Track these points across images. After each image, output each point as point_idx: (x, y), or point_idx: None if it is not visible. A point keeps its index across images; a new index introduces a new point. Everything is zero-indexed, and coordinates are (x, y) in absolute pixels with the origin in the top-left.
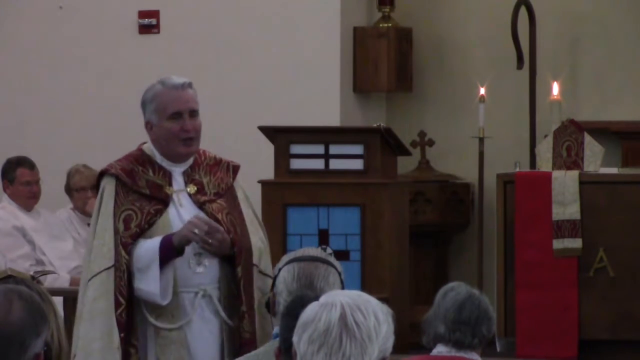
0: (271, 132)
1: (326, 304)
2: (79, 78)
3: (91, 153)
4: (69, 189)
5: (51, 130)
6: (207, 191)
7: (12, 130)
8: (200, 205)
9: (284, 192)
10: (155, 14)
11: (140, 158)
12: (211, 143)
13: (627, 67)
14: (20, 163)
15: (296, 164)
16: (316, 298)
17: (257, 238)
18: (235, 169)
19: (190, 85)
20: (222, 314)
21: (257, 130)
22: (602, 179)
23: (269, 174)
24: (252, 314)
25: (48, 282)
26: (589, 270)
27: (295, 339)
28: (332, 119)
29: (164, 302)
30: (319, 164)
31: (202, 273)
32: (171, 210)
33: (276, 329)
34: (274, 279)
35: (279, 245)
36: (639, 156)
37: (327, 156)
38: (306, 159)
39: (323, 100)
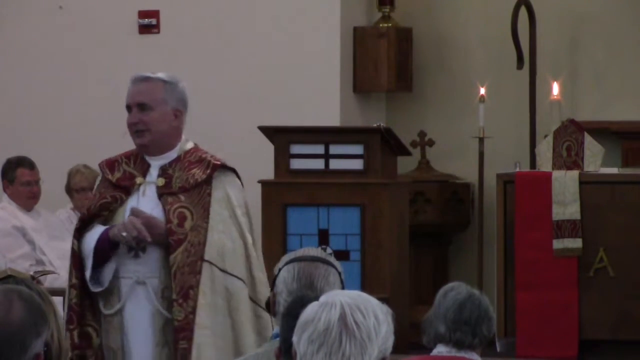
0: (271, 132)
1: (326, 304)
2: (79, 78)
3: (91, 153)
4: (69, 189)
5: (51, 130)
6: (172, 185)
7: (12, 130)
8: (159, 197)
9: (284, 192)
10: (155, 14)
11: (135, 151)
12: (211, 143)
13: (627, 67)
14: (20, 163)
15: (296, 164)
16: (316, 298)
17: (225, 237)
18: (215, 166)
19: (147, 79)
20: (156, 302)
21: (257, 130)
22: (602, 179)
23: (269, 174)
24: (186, 303)
25: (48, 282)
26: (589, 270)
27: (295, 338)
28: (332, 119)
29: (94, 289)
30: (319, 164)
31: (140, 261)
32: (132, 200)
33: (276, 329)
34: (274, 279)
35: (279, 245)
36: (639, 156)
37: (327, 156)
38: (306, 159)
39: (323, 100)
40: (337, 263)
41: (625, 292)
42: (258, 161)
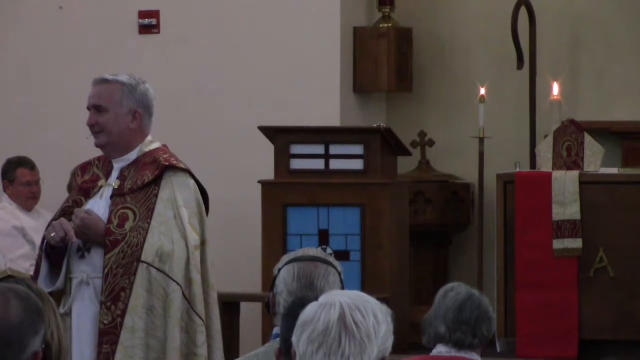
0: (271, 132)
1: (325, 304)
2: (79, 78)
3: (91, 153)
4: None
5: (51, 130)
6: (124, 186)
7: (12, 130)
8: (110, 197)
9: (284, 192)
10: (155, 14)
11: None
12: (211, 143)
13: (627, 68)
14: (20, 163)
15: (296, 164)
16: (317, 299)
17: (165, 238)
18: (163, 167)
19: (105, 81)
20: (97, 303)
21: (257, 130)
22: (602, 179)
23: (269, 174)
24: (114, 306)
25: None
26: (589, 270)
27: (294, 338)
28: (332, 119)
29: (46, 289)
30: (319, 164)
31: (85, 261)
32: (90, 202)
33: (276, 329)
34: (274, 279)
35: (279, 245)
36: (639, 156)
37: (327, 156)
38: (306, 159)
39: (323, 100)
40: (337, 263)
41: (625, 292)
42: (258, 161)
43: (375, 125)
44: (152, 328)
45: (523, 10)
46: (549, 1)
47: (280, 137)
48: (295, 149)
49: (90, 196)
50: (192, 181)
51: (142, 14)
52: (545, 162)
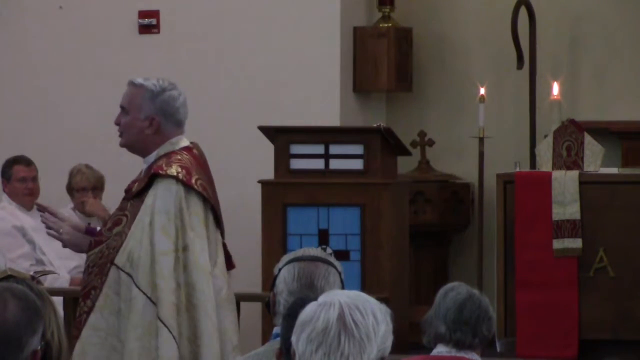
0: (271, 132)
1: (324, 304)
2: (79, 78)
3: (91, 153)
4: (70, 189)
5: (51, 130)
6: (132, 191)
7: (12, 130)
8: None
9: (284, 192)
10: (155, 14)
11: None
12: (211, 143)
13: (627, 67)
14: (16, 160)
15: (296, 164)
16: (317, 299)
17: (136, 244)
18: (152, 175)
19: (133, 84)
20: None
21: (257, 130)
22: (602, 179)
23: (269, 174)
24: (84, 303)
25: (48, 282)
26: (589, 270)
27: (293, 338)
28: (332, 119)
29: None
30: (319, 164)
31: None
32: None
33: (276, 329)
34: (274, 278)
35: (279, 245)
36: (639, 156)
37: (327, 156)
38: (306, 159)
39: (323, 100)
40: (337, 263)
41: (625, 292)
42: (258, 161)
43: (375, 125)
44: (117, 330)
45: (523, 10)
46: (549, 1)
47: (280, 137)
48: (295, 149)
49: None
50: (175, 187)
51: (142, 14)
52: (545, 162)
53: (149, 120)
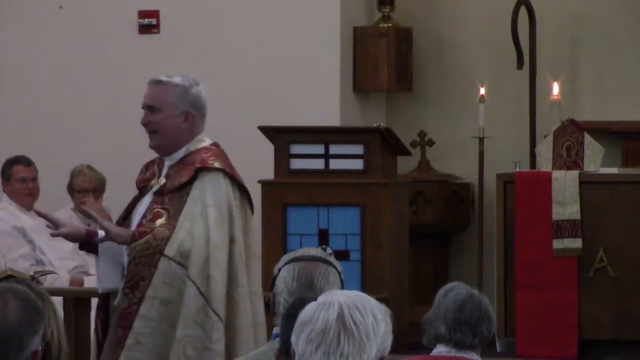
0: (271, 132)
1: (324, 303)
2: (79, 78)
3: (91, 153)
4: (71, 189)
5: (51, 130)
6: (166, 185)
7: (12, 130)
8: (152, 195)
9: (284, 192)
10: (155, 14)
11: None
12: None
13: (627, 67)
14: (16, 161)
15: (296, 164)
16: (317, 299)
17: (187, 235)
18: (197, 169)
19: (159, 82)
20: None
21: (257, 130)
22: (602, 179)
23: (269, 174)
24: (132, 294)
25: (48, 282)
26: (589, 270)
27: (293, 338)
28: (332, 119)
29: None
30: (319, 164)
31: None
32: (144, 199)
33: (276, 329)
34: (274, 278)
35: (279, 245)
36: (639, 156)
37: (327, 156)
38: (306, 159)
39: (323, 100)
40: (337, 263)
41: (625, 292)
42: (258, 161)
43: (375, 125)
44: (169, 319)
45: (523, 10)
46: (549, 1)
47: (280, 137)
48: (295, 149)
49: (144, 194)
50: (223, 181)
51: (142, 14)
52: (545, 162)
53: (184, 116)
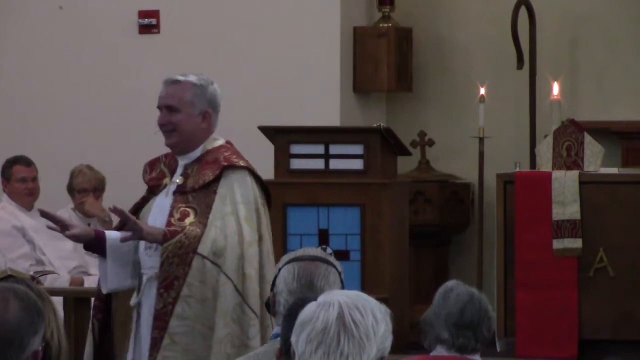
0: (271, 132)
1: (324, 303)
2: (79, 78)
3: (92, 153)
4: (71, 189)
5: (51, 130)
6: (187, 184)
7: (12, 130)
8: (173, 194)
9: (284, 192)
10: (155, 14)
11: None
12: None
13: (627, 67)
14: (16, 161)
15: (296, 164)
16: (317, 299)
17: (220, 233)
18: (223, 167)
19: (177, 82)
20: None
21: (257, 130)
22: (602, 179)
23: (269, 174)
24: (167, 293)
25: (48, 282)
26: (589, 270)
27: (293, 338)
28: (332, 119)
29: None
30: (319, 164)
31: (151, 256)
32: (158, 198)
33: (276, 329)
34: (274, 278)
35: (279, 245)
36: (639, 156)
37: (327, 156)
38: (306, 159)
39: (323, 100)
40: (337, 263)
41: (625, 292)
42: (258, 161)
43: (375, 125)
44: (204, 317)
45: (523, 10)
46: (549, 1)
47: (280, 137)
48: (295, 149)
49: (156, 194)
50: (249, 179)
51: (142, 14)
52: (545, 162)
53: (202, 115)
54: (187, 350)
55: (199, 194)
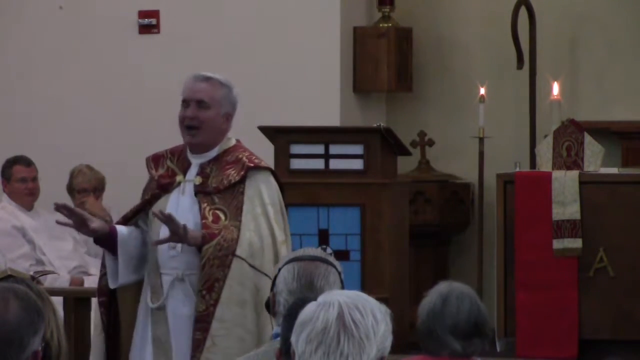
0: (271, 132)
1: (324, 303)
2: (79, 78)
3: (92, 153)
4: (71, 189)
5: (52, 130)
6: (208, 184)
7: (13, 130)
8: (195, 195)
9: (284, 192)
10: (155, 14)
11: (180, 148)
12: None
13: (627, 67)
14: (16, 161)
15: (296, 164)
16: (317, 299)
17: (255, 234)
18: (248, 167)
19: (209, 79)
20: (194, 298)
21: (257, 130)
22: (602, 179)
23: None
24: (209, 296)
25: (48, 282)
26: (589, 270)
27: (293, 338)
28: (332, 119)
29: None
30: (319, 164)
31: (176, 257)
32: (172, 197)
33: (276, 329)
34: (274, 278)
35: None
36: (639, 156)
37: (327, 156)
38: (306, 159)
39: (323, 100)
40: (337, 263)
41: (625, 292)
42: None
43: (375, 125)
44: (243, 321)
45: (523, 10)
46: (549, 1)
47: (280, 137)
48: (295, 149)
49: (169, 191)
50: (273, 180)
51: (142, 14)
52: (545, 162)
53: (225, 116)
54: (225, 353)
55: (224, 195)
